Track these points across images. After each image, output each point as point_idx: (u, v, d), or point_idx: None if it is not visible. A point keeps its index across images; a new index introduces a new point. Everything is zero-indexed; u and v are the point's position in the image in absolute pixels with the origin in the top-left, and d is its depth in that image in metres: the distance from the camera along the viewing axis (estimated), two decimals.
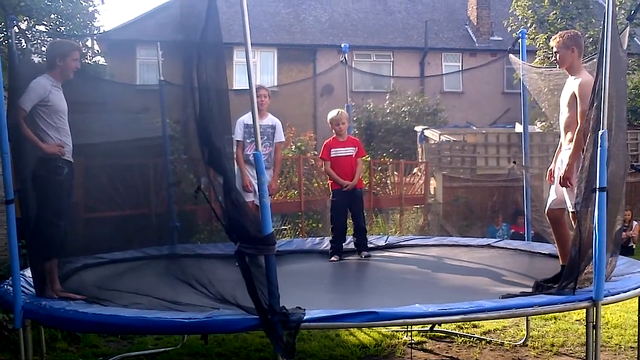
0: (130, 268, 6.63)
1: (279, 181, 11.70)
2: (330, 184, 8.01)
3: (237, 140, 7.28)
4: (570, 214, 5.18)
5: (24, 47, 5.66)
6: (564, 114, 5.48)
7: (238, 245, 4.10)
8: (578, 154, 5.05)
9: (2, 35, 9.78)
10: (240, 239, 4.12)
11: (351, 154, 7.72)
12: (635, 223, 13.82)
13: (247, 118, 7.16)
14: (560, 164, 5.50)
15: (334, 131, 7.80)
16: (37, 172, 5.27)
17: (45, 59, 5.62)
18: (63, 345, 6.51)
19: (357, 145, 7.88)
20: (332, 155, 7.75)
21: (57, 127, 5.36)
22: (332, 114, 7.80)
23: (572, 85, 5.37)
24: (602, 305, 4.60)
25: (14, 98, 5.17)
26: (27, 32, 6.38)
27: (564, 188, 5.31)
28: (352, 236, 7.89)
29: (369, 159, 8.06)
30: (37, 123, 5.27)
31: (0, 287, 5.31)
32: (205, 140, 4.26)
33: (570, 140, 5.26)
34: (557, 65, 5.67)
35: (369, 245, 7.79)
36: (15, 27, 5.72)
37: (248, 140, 7.28)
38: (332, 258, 7.53)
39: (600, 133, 4.45)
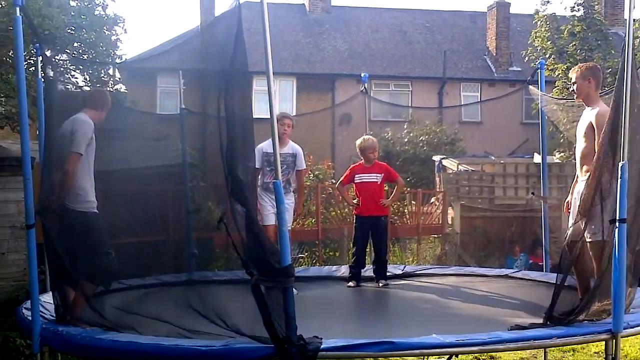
0: (148, 295, 6.65)
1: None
2: (354, 210, 7.93)
3: (255, 168, 7.23)
4: (588, 244, 5.15)
5: (50, 75, 5.80)
6: (580, 144, 5.48)
7: (255, 278, 4.08)
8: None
9: (27, 62, 9.95)
10: (258, 272, 4.11)
11: (376, 180, 7.66)
12: None
13: (266, 146, 7.04)
14: (577, 195, 5.47)
15: (363, 158, 7.77)
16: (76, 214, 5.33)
17: (84, 99, 5.74)
18: None
19: (385, 170, 7.80)
20: (356, 181, 7.72)
21: (90, 166, 5.43)
22: (364, 141, 7.74)
23: (589, 115, 5.39)
24: (622, 337, 4.54)
25: (50, 125, 5.29)
26: (53, 59, 6.50)
27: (582, 219, 5.26)
28: (371, 264, 7.83)
29: (386, 188, 7.98)
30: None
31: (19, 313, 5.34)
32: (230, 171, 4.25)
33: (587, 171, 5.22)
34: (575, 96, 5.70)
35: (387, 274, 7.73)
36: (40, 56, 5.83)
37: (268, 169, 7.20)
38: (350, 283, 7.52)
39: (620, 164, 4.43)
